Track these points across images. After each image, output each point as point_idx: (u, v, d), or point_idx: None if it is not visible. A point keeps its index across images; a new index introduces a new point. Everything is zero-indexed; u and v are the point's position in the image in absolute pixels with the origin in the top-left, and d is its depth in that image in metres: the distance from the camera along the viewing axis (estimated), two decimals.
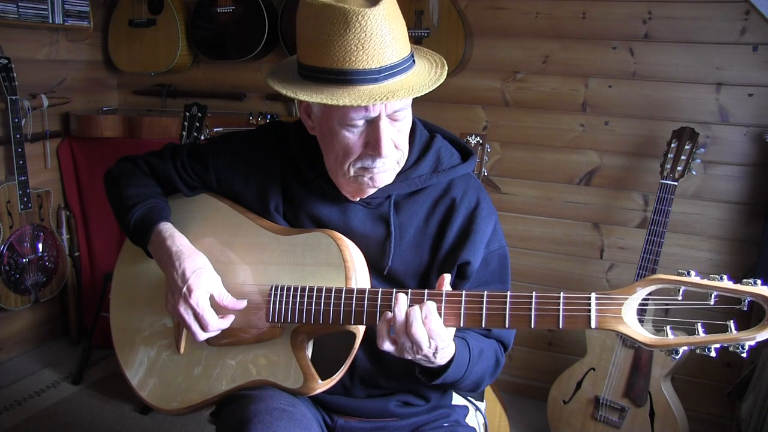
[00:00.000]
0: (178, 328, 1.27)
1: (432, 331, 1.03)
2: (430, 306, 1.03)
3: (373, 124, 1.09)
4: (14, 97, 2.57)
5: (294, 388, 1.16)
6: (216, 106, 2.97)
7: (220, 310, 1.17)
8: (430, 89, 1.08)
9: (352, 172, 1.14)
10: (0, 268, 2.61)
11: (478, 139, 2.33)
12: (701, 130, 2.25)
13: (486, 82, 2.62)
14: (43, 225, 2.79)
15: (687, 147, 2.13)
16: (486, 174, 2.42)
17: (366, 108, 1.06)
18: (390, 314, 1.05)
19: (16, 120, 2.58)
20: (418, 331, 1.02)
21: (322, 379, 1.15)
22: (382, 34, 1.03)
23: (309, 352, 1.17)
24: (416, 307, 1.03)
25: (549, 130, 2.56)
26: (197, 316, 1.14)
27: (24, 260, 2.71)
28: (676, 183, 2.13)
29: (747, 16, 2.22)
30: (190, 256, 1.18)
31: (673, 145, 2.16)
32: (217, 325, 1.16)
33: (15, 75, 2.56)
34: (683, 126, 2.17)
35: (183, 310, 1.14)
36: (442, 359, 1.09)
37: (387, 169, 1.14)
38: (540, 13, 2.50)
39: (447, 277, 1.08)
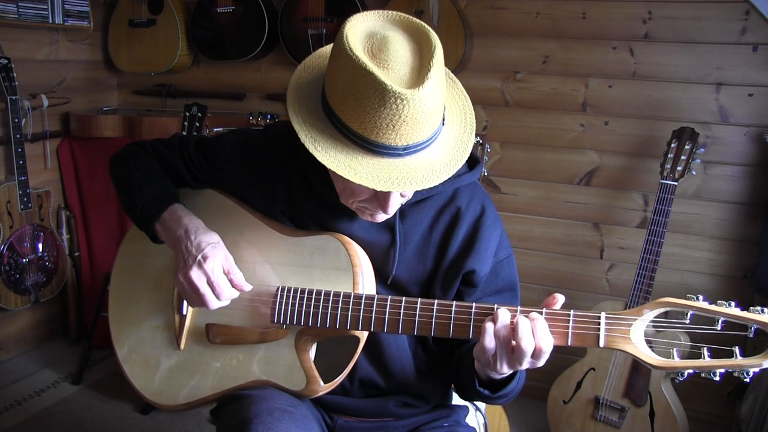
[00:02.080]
0: (179, 323, 1.27)
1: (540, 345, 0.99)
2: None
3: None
4: (14, 97, 2.56)
5: (296, 390, 1.16)
6: (216, 106, 2.97)
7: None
8: (449, 175, 1.02)
9: (355, 206, 1.14)
10: (0, 268, 2.61)
11: (478, 139, 2.33)
12: (701, 130, 2.25)
13: (486, 82, 2.62)
14: (43, 225, 2.79)
15: (687, 147, 2.13)
16: (486, 174, 2.43)
17: None
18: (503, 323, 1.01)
19: (16, 120, 2.58)
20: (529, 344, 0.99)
21: (324, 382, 1.15)
22: (417, 118, 0.97)
23: (312, 354, 1.17)
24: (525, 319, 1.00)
25: (549, 130, 2.57)
26: (211, 283, 1.14)
27: (24, 260, 2.71)
28: (676, 183, 2.13)
29: (747, 16, 2.22)
30: (206, 232, 1.19)
31: (673, 145, 2.16)
32: (229, 293, 1.16)
33: (15, 75, 2.56)
34: (683, 126, 2.17)
35: (196, 276, 1.13)
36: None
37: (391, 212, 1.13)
38: (540, 13, 2.50)
39: (560, 299, 1.04)
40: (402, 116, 0.96)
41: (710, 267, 2.41)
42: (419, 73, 0.97)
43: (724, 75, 2.29)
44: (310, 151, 1.01)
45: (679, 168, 2.13)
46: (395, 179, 0.99)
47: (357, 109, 0.97)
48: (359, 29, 1.01)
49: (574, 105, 2.51)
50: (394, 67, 0.97)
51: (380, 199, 1.08)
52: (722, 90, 2.31)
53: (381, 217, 1.14)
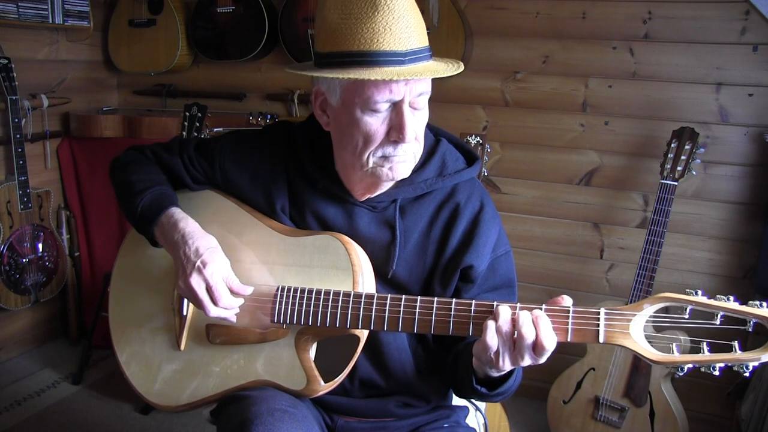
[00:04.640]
0: (179, 324, 1.27)
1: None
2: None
3: (396, 109, 1.09)
4: (14, 97, 2.56)
5: (296, 390, 1.16)
6: (216, 106, 2.97)
7: None
8: (454, 73, 1.12)
9: (371, 163, 1.14)
10: (0, 268, 2.61)
11: (478, 139, 2.33)
12: (701, 130, 2.25)
13: (486, 82, 2.62)
14: (43, 225, 2.79)
15: (687, 147, 2.13)
16: (486, 174, 2.43)
17: (390, 90, 1.06)
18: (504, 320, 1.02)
19: (16, 120, 2.58)
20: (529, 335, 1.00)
21: (325, 381, 1.15)
22: (408, 18, 1.06)
23: (312, 353, 1.17)
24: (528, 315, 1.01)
25: (549, 130, 2.57)
26: (210, 290, 1.15)
27: (24, 260, 2.71)
28: (676, 183, 2.13)
29: (747, 16, 2.22)
30: (203, 236, 1.20)
31: (673, 145, 2.16)
32: (228, 300, 1.16)
33: (15, 75, 2.56)
34: (683, 126, 2.17)
35: (195, 283, 1.14)
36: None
37: (406, 159, 1.14)
38: (540, 13, 2.50)
39: (568, 300, 1.04)
40: (395, 15, 1.05)
41: (710, 267, 2.41)
42: None
43: (724, 75, 2.29)
44: (331, 76, 1.07)
45: (679, 168, 2.13)
46: (405, 74, 1.05)
47: (354, 27, 1.06)
48: None
49: (574, 105, 2.51)
50: None
51: (396, 126, 1.10)
52: (722, 90, 2.31)
53: (400, 167, 1.14)
